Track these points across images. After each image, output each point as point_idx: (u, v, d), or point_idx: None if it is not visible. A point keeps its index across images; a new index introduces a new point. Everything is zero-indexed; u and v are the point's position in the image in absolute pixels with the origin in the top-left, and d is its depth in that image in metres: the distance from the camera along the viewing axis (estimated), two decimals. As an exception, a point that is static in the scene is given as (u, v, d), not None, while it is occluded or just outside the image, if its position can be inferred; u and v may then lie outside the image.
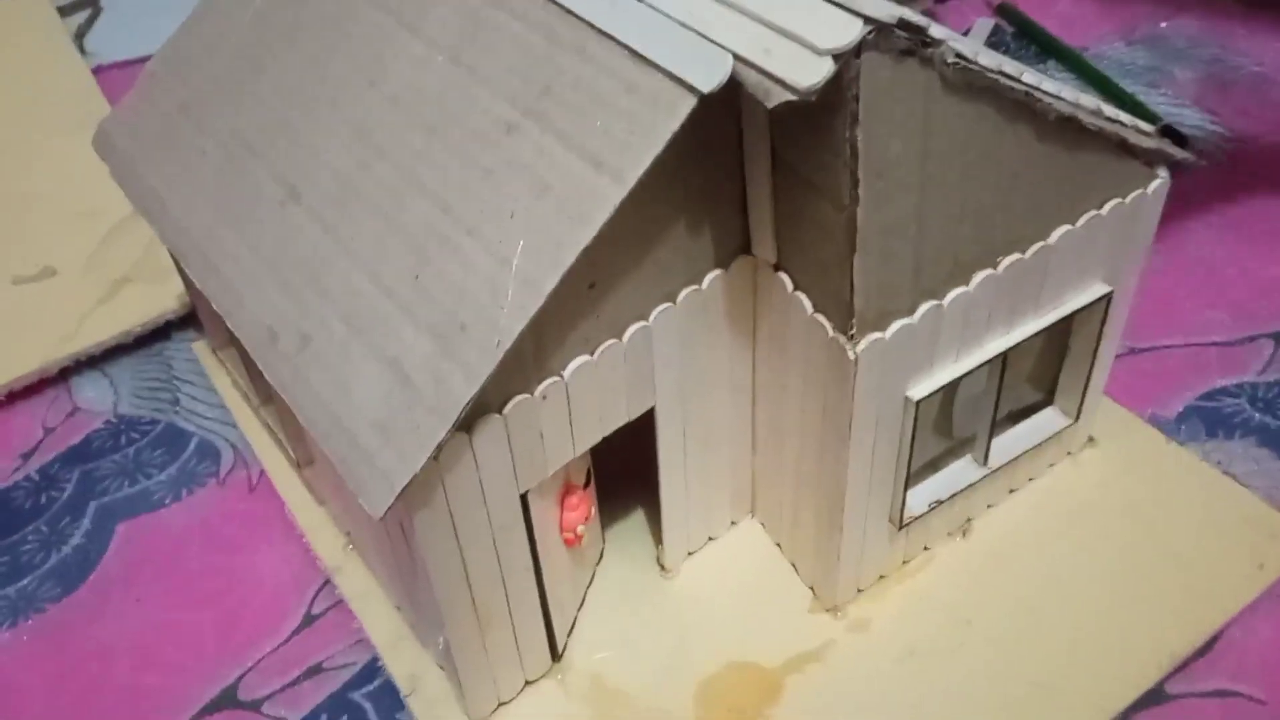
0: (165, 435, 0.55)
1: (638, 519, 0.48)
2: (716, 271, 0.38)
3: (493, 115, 0.35)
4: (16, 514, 0.52)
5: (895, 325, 0.36)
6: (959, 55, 0.31)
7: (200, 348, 0.58)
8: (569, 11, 0.34)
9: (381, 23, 0.40)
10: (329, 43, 0.41)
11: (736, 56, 0.30)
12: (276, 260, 0.38)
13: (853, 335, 0.35)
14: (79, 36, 0.83)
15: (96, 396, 0.57)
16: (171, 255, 0.47)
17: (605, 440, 0.39)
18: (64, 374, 0.58)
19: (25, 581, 0.49)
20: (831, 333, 0.36)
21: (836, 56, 0.29)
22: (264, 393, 0.50)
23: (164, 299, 0.59)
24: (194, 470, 0.53)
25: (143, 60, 0.49)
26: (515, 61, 0.35)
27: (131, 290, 0.60)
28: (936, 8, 0.76)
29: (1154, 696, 0.42)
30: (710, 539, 0.47)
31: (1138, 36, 0.73)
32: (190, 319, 0.59)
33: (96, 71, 0.77)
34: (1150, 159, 0.39)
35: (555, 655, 0.43)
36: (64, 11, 0.85)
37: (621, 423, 0.39)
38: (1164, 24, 0.74)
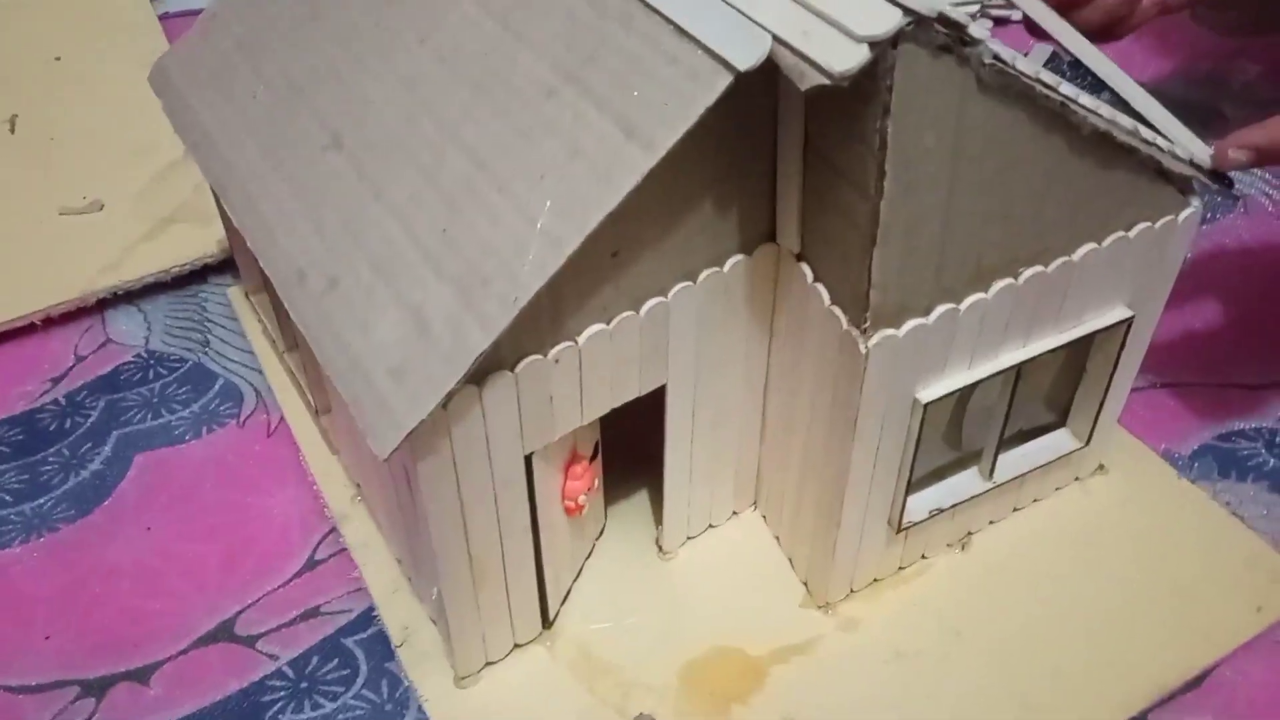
0: (192, 374, 0.56)
1: (641, 499, 0.48)
2: (739, 256, 0.38)
3: (535, 78, 0.35)
4: (40, 435, 0.53)
5: (910, 324, 0.36)
6: (996, 57, 0.31)
7: (234, 293, 0.59)
8: (619, -16, 0.35)
9: (438, -16, 0.40)
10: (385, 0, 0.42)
11: (775, 38, 0.31)
12: (314, 203, 0.39)
13: (866, 329, 0.35)
14: (150, -17, 0.85)
15: (130, 330, 0.58)
16: (213, 192, 0.48)
17: (618, 419, 0.40)
18: (100, 305, 0.59)
19: (41, 500, 0.50)
20: (846, 325, 0.36)
21: (873, 44, 0.29)
22: (290, 338, 0.51)
23: (205, 242, 0.61)
24: (216, 410, 0.54)
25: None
26: (562, 29, 0.36)
27: (175, 230, 0.62)
28: (995, 30, 0.76)
29: (1138, 726, 0.41)
30: (711, 526, 0.47)
31: (1196, 76, 0.73)
32: (227, 264, 0.60)
33: (163, 18, 0.79)
34: (1184, 186, 0.39)
35: (546, 622, 0.44)
36: (138, -41, 0.86)
37: (632, 396, 0.39)
38: (1222, 66, 0.74)
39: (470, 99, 0.37)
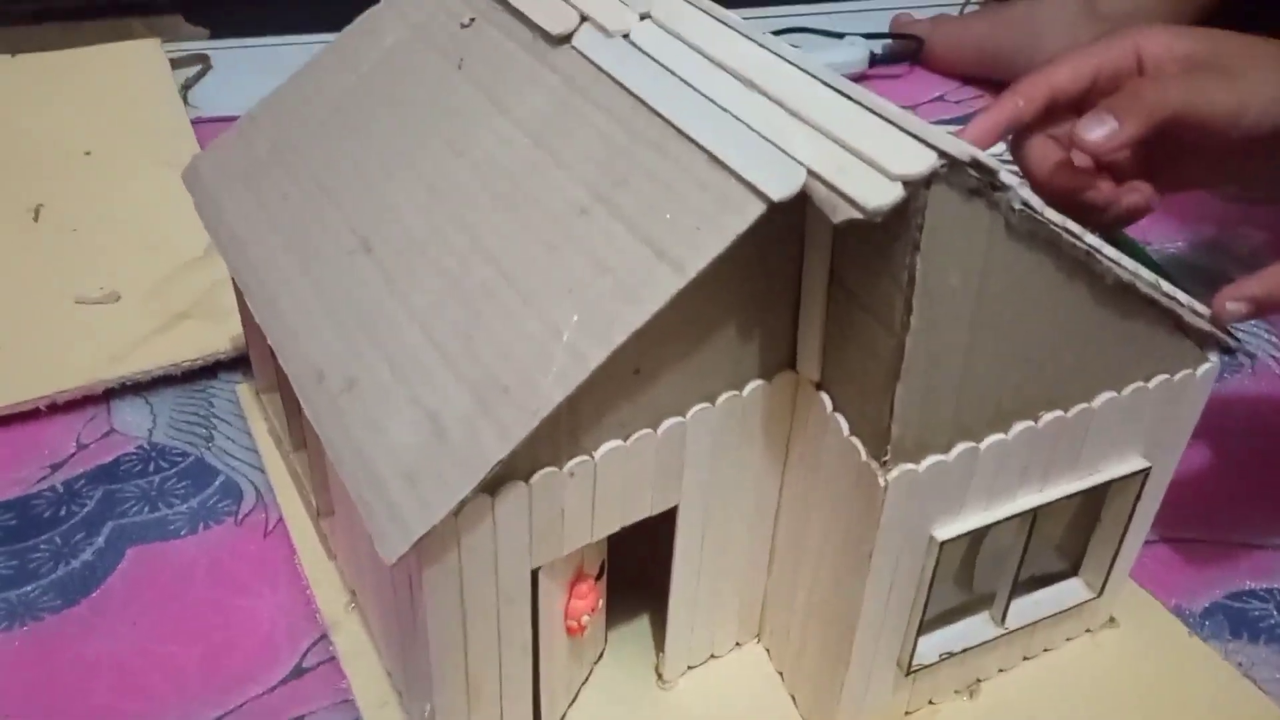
0: (193, 469, 0.55)
1: (642, 625, 0.47)
2: (759, 381, 0.38)
3: (567, 196, 0.36)
4: (34, 521, 0.52)
5: (929, 460, 0.36)
6: (1025, 203, 0.31)
7: (243, 390, 0.59)
8: (654, 111, 0.36)
9: (476, 100, 0.41)
10: (422, 112, 0.43)
11: (809, 170, 0.31)
12: (336, 305, 0.39)
13: (886, 462, 0.35)
14: (185, 88, 0.87)
15: (134, 421, 0.58)
16: (235, 288, 0.48)
17: (623, 540, 0.39)
18: (107, 395, 0.59)
19: (29, 588, 0.49)
20: (865, 457, 0.36)
21: (907, 183, 0.30)
22: (298, 437, 0.51)
23: (217, 339, 0.61)
24: (214, 507, 0.53)
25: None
26: (595, 150, 0.37)
27: (188, 325, 0.62)
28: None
29: None
30: (713, 656, 0.46)
31: (1202, 241, 0.75)
32: (238, 362, 0.60)
33: (195, 123, 0.81)
34: (1203, 342, 0.40)
35: (538, 747, 0.42)
36: (176, 63, 0.89)
37: (643, 515, 0.39)
38: (1229, 231, 0.75)
39: (499, 211, 0.37)
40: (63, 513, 0.53)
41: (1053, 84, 0.49)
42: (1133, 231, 0.74)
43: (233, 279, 0.48)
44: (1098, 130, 0.45)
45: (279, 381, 0.50)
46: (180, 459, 0.56)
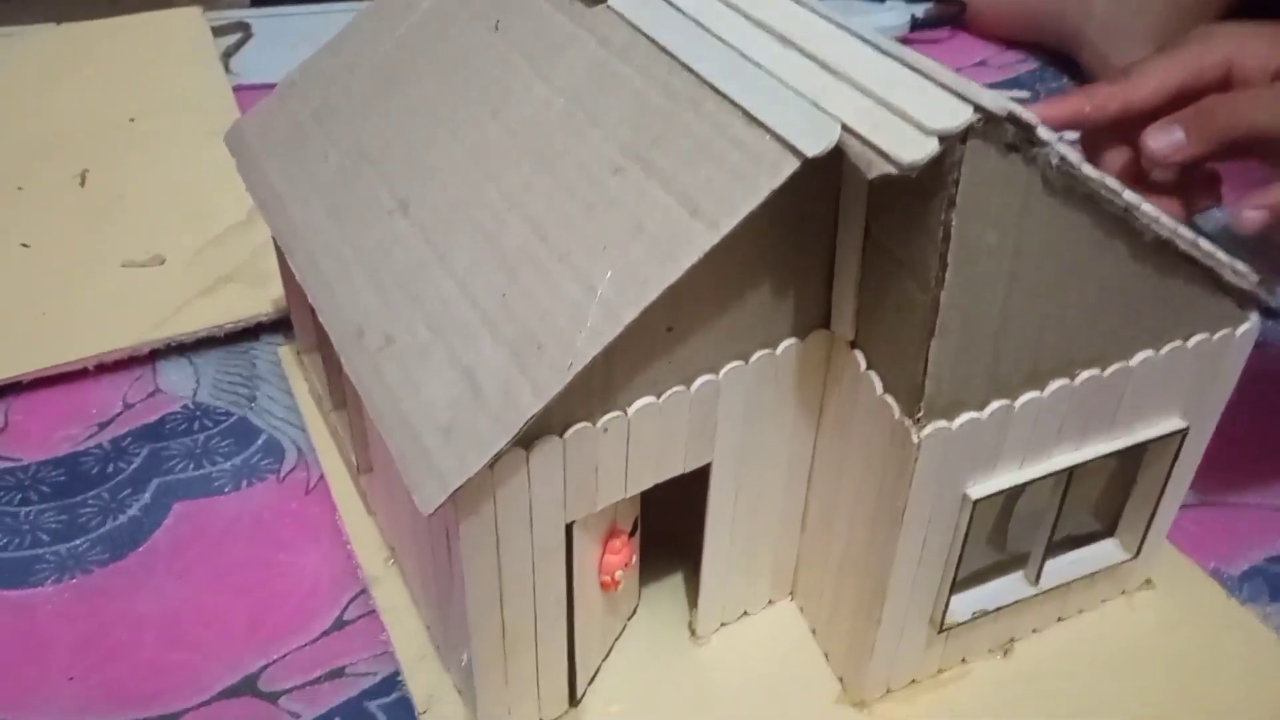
0: (236, 428, 0.56)
1: (675, 582, 0.48)
2: (792, 339, 0.38)
3: (602, 156, 0.36)
4: (83, 478, 0.54)
5: (963, 417, 0.36)
6: (1063, 159, 0.31)
7: (285, 351, 0.60)
8: (689, 69, 0.36)
9: (514, 63, 0.42)
10: (461, 74, 0.43)
11: (844, 126, 0.31)
12: (376, 264, 0.40)
13: (919, 420, 0.35)
14: (227, 55, 0.88)
15: (179, 381, 0.59)
16: (277, 248, 0.49)
17: (657, 497, 0.40)
18: (152, 355, 0.60)
19: (77, 542, 0.51)
20: (898, 415, 0.36)
21: (943, 138, 0.29)
22: (338, 396, 0.51)
23: (260, 302, 0.62)
24: (257, 465, 0.54)
25: (280, 84, 0.52)
26: (631, 110, 0.37)
27: (231, 289, 0.63)
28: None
29: None
30: (745, 613, 0.46)
31: (1242, 201, 0.73)
32: (280, 324, 0.61)
33: (237, 90, 0.82)
34: (1243, 301, 0.39)
35: (573, 699, 0.43)
36: (218, 31, 0.90)
37: (676, 472, 0.39)
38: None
39: (536, 172, 0.38)
40: (110, 469, 0.54)
41: (1129, 100, 0.48)
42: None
43: (274, 240, 0.48)
44: (1164, 141, 0.44)
45: (319, 341, 0.51)
46: (224, 418, 0.57)
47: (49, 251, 0.66)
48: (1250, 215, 0.39)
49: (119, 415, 0.57)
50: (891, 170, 0.30)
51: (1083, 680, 0.44)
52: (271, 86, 0.51)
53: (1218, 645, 0.46)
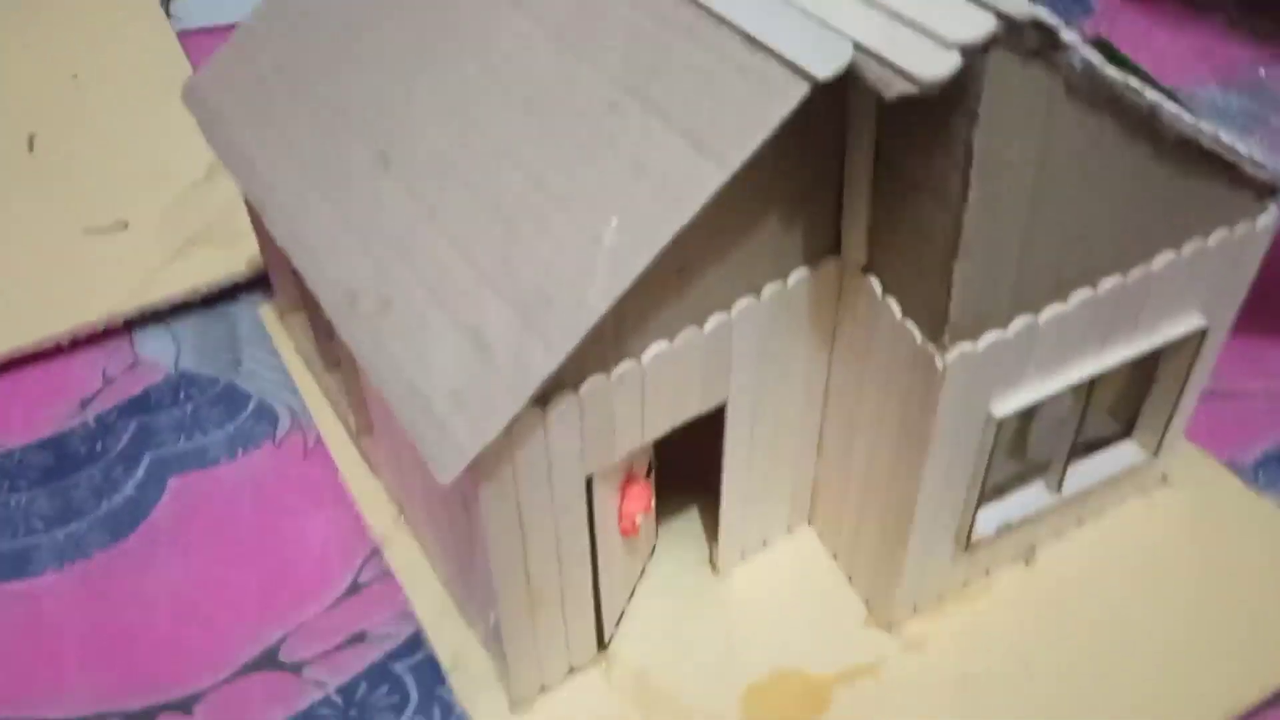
0: (224, 394, 0.55)
1: (690, 518, 0.47)
2: (803, 269, 0.37)
3: (595, 94, 0.34)
4: (72, 459, 0.52)
5: (988, 337, 0.35)
6: (1086, 62, 0.30)
7: (267, 311, 0.58)
8: (681, -8, 0.34)
9: (486, -4, 0.39)
10: (433, 15, 0.41)
11: (856, 45, 0.29)
12: (362, 224, 0.38)
13: (944, 344, 0.34)
14: (165, 2, 0.84)
15: (159, 350, 0.57)
16: (251, 213, 0.47)
17: (668, 434, 0.39)
18: (128, 326, 0.58)
19: (75, 526, 0.49)
20: (920, 340, 0.35)
21: (965, 51, 0.28)
22: (329, 358, 0.50)
23: (234, 262, 0.59)
24: (250, 431, 0.53)
25: (227, 28, 0.49)
26: (621, 43, 0.35)
27: (202, 250, 0.60)
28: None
29: (1216, 747, 0.40)
30: (765, 543, 0.46)
31: (1235, 81, 0.72)
32: (258, 282, 0.59)
33: (181, 35, 0.78)
34: (1262, 192, 0.38)
35: (601, 644, 0.42)
36: (151, -26, 0.85)
37: (693, 414, 0.38)
38: (1263, 71, 0.72)
39: (525, 116, 0.36)
40: (99, 448, 0.53)
41: None
42: (1165, 78, 0.72)
43: (246, 201, 0.46)
44: None
45: (305, 303, 0.49)
46: (210, 385, 0.55)
47: (4, 224, 0.63)
48: None
49: (100, 391, 0.55)
50: (912, 89, 0.28)
51: (1108, 581, 0.44)
52: (216, 30, 0.48)
53: (1239, 534, 0.46)
